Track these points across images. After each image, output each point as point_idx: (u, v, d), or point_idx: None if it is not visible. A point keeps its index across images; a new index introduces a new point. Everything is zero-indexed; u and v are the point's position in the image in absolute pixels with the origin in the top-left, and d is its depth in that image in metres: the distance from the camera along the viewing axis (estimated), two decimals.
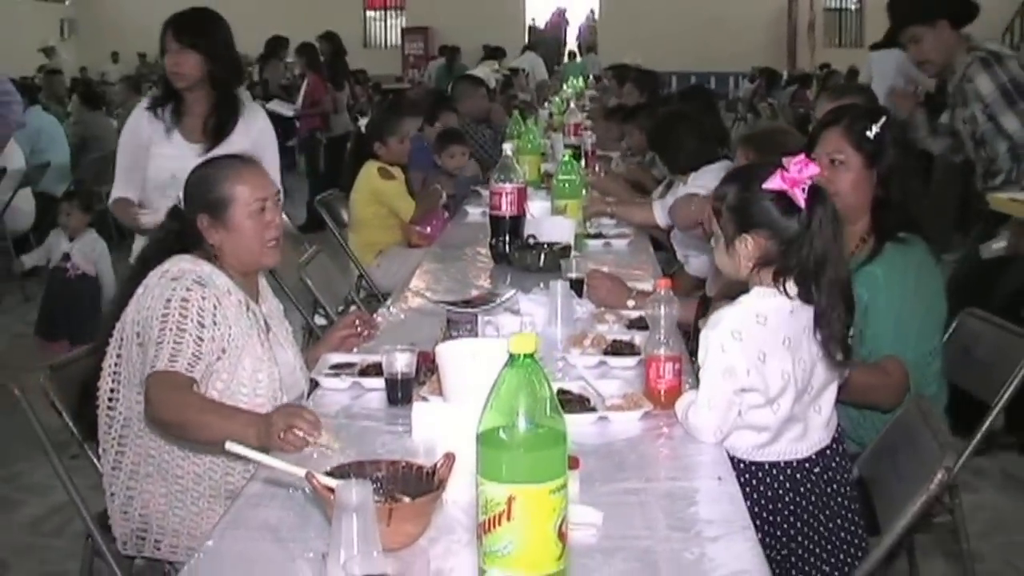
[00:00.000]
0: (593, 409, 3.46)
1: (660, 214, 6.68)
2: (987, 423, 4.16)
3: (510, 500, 2.16)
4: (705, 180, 6.12)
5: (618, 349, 4.05)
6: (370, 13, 38.13)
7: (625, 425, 3.40)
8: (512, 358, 2.20)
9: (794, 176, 3.19)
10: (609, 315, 4.55)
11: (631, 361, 3.92)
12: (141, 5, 34.62)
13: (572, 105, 11.76)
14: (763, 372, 3.21)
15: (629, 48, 26.37)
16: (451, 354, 3.32)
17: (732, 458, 3.30)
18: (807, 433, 3.39)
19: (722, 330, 3.22)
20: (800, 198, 3.19)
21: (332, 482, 2.51)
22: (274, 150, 5.59)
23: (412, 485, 2.69)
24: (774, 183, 3.21)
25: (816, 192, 3.22)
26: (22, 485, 6.30)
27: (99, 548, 3.73)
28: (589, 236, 6.35)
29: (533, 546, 2.19)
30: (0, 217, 11.27)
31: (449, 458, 2.65)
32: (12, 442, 3.88)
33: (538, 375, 2.20)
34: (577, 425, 3.34)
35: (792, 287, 3.25)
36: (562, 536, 2.23)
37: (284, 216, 6.86)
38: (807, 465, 3.39)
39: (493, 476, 2.18)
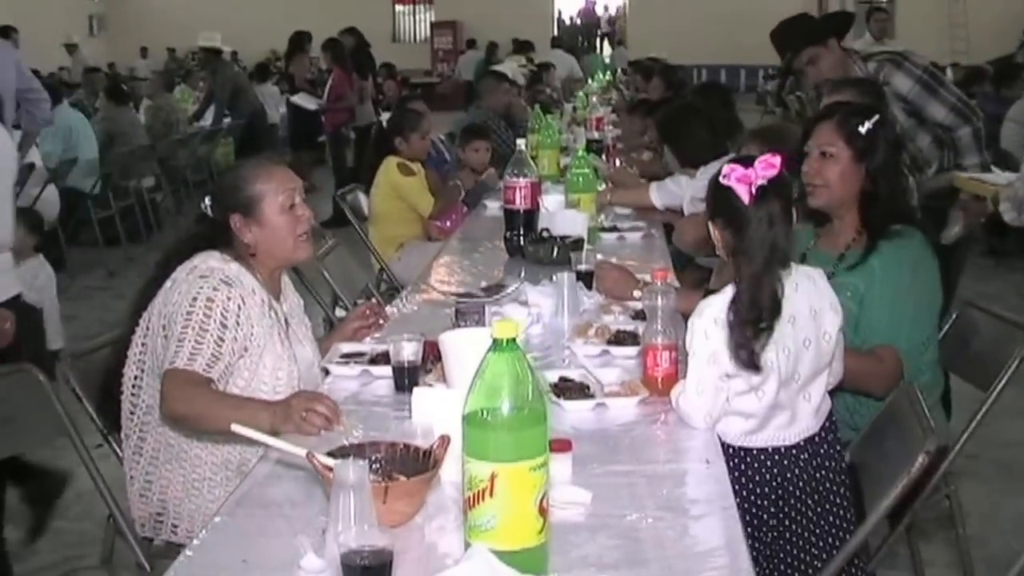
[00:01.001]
0: (592, 396, 3.61)
1: (656, 196, 6.88)
2: (982, 412, 4.26)
3: (493, 477, 2.31)
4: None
5: (621, 339, 4.18)
6: (399, 7, 38.16)
7: (622, 411, 3.55)
8: (496, 343, 2.35)
9: (748, 173, 3.34)
10: (616, 306, 4.68)
11: (632, 351, 4.04)
12: (169, 1, 34.96)
13: (594, 100, 11.84)
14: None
15: (657, 41, 26.40)
16: (454, 342, 3.47)
17: (723, 443, 3.42)
18: (795, 420, 3.52)
19: (706, 318, 3.37)
20: (744, 194, 3.33)
21: (331, 461, 2.65)
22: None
23: (409, 465, 2.83)
24: (725, 177, 3.39)
25: (767, 192, 3.34)
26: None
27: (120, 528, 3.88)
28: (603, 229, 6.45)
29: (514, 520, 2.35)
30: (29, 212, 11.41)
31: (444, 440, 2.78)
32: (39, 427, 4.01)
33: (520, 360, 2.35)
34: (576, 411, 3.53)
35: None
36: (542, 511, 2.37)
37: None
38: (795, 452, 3.52)
39: (477, 454, 2.33)
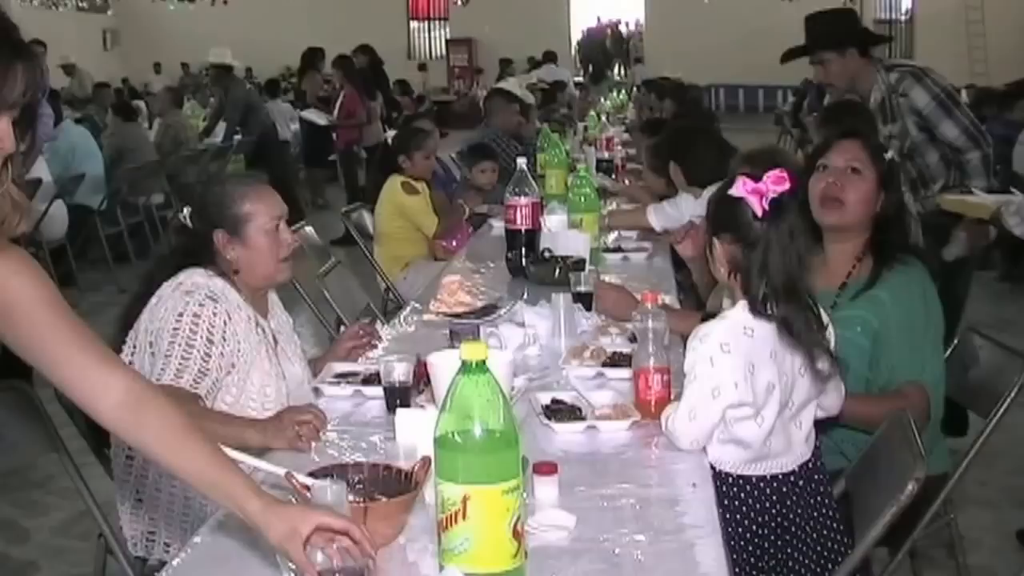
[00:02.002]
0: (583, 418, 3.63)
1: (654, 219, 6.90)
2: (982, 439, 4.26)
3: (465, 499, 2.33)
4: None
5: (616, 361, 4.18)
6: (414, 24, 38.27)
7: (613, 434, 3.56)
8: (465, 365, 2.37)
9: (760, 187, 3.33)
10: (613, 328, 4.67)
11: (627, 372, 4.02)
12: (183, 15, 35.07)
13: (604, 119, 11.86)
14: (752, 384, 3.33)
15: (674, 59, 26.42)
16: (442, 363, 3.46)
17: (720, 472, 3.44)
18: (790, 448, 3.51)
19: (711, 343, 3.34)
20: (758, 205, 3.32)
21: (309, 482, 2.67)
22: None
23: (391, 487, 2.85)
24: (737, 189, 3.36)
25: (781, 206, 3.34)
26: (52, 489, 6.55)
27: (111, 547, 3.90)
28: (608, 250, 6.47)
29: (488, 543, 2.36)
30: (36, 228, 11.45)
31: (426, 461, 2.79)
32: (31, 444, 4.04)
33: (490, 382, 2.37)
34: (566, 433, 3.54)
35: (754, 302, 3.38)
36: (517, 535, 2.38)
37: (310, 229, 7.06)
38: (792, 479, 3.51)
39: (449, 477, 2.35)
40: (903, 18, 35.34)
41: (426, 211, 8.27)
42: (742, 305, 3.40)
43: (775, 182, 3.32)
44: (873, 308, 4.08)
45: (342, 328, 5.72)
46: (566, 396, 3.79)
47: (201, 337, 3.78)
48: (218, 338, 3.80)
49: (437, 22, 38.27)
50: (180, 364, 3.73)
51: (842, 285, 4.22)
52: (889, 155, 4.18)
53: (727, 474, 3.47)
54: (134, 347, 3.92)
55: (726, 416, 3.36)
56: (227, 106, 15.93)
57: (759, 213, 3.32)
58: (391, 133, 8.82)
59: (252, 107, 15.95)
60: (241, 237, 4.00)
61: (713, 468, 3.42)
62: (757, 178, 3.35)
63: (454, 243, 8.12)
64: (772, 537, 3.50)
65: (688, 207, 6.53)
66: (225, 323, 3.84)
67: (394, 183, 8.27)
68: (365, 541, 2.45)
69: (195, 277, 3.92)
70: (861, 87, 6.68)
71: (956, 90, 7.10)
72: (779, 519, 3.50)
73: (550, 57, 26.08)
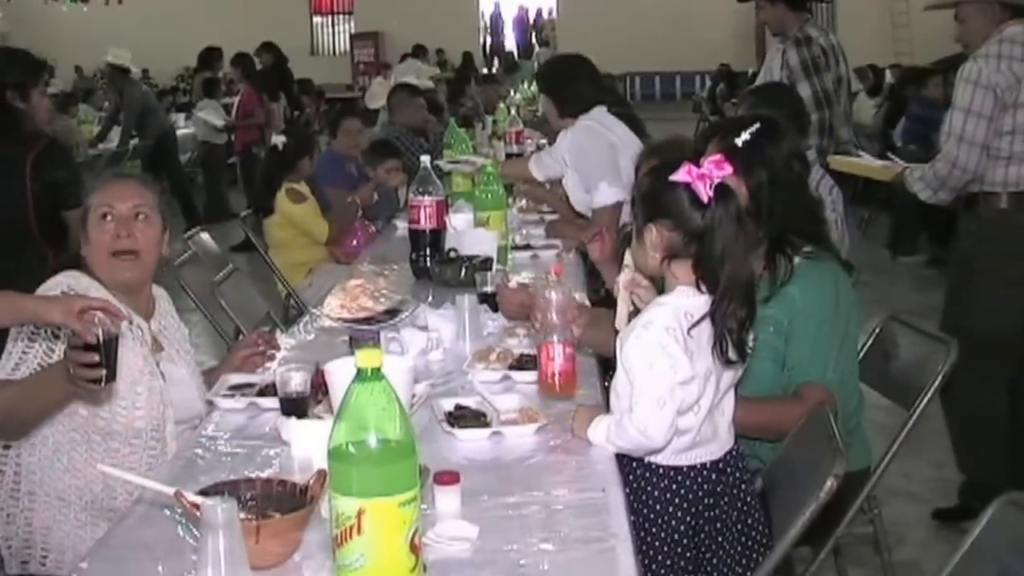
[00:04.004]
0: (488, 424, 3.62)
1: (536, 169, 7.09)
2: (904, 432, 4.29)
3: (360, 513, 2.31)
4: (580, 140, 6.73)
5: (523, 363, 4.19)
6: (317, 19, 38.07)
7: (519, 440, 3.55)
8: (360, 373, 2.35)
9: (702, 171, 3.33)
10: (521, 328, 4.66)
11: (535, 375, 4.05)
12: (77, 16, 34.68)
13: (515, 112, 11.79)
14: (695, 367, 3.34)
15: (588, 48, 26.42)
16: (340, 371, 3.42)
17: (651, 464, 3.45)
18: (716, 435, 3.52)
19: (657, 329, 3.33)
20: (704, 191, 3.32)
21: (199, 499, 2.64)
22: None
23: (285, 502, 2.82)
24: (680, 175, 3.35)
25: (723, 191, 3.35)
26: None
27: None
28: (516, 248, 6.48)
29: (384, 559, 2.34)
30: None
31: (322, 475, 2.77)
32: None
33: (386, 390, 2.35)
34: (470, 440, 3.53)
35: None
36: (415, 549, 2.37)
37: (206, 235, 7.01)
38: (720, 466, 3.52)
39: (343, 490, 2.34)
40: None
41: (314, 217, 8.24)
42: (681, 290, 3.41)
43: (718, 167, 3.34)
44: (784, 306, 4.04)
45: (241, 338, 5.69)
46: (470, 401, 3.79)
47: (46, 330, 3.80)
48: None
49: (341, 16, 38.05)
50: (19, 359, 3.80)
51: None
52: (742, 138, 4.04)
53: (657, 465, 3.47)
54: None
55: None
56: (123, 109, 15.80)
57: (704, 199, 3.33)
58: (277, 139, 8.66)
59: (149, 110, 15.83)
60: (85, 231, 4.07)
61: (640, 461, 3.45)
62: (698, 164, 3.36)
63: (355, 243, 8.08)
64: (705, 529, 3.50)
65: (562, 150, 6.82)
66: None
67: (280, 192, 8.24)
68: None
69: (58, 277, 3.95)
70: (789, 32, 7.60)
71: (880, 70, 7.61)
72: (709, 510, 3.50)
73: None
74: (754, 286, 3.46)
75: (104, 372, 3.29)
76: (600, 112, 6.90)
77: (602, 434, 3.47)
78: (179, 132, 17.53)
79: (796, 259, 4.09)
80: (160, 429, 3.96)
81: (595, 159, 6.68)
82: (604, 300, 5.45)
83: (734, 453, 3.58)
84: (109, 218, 4.02)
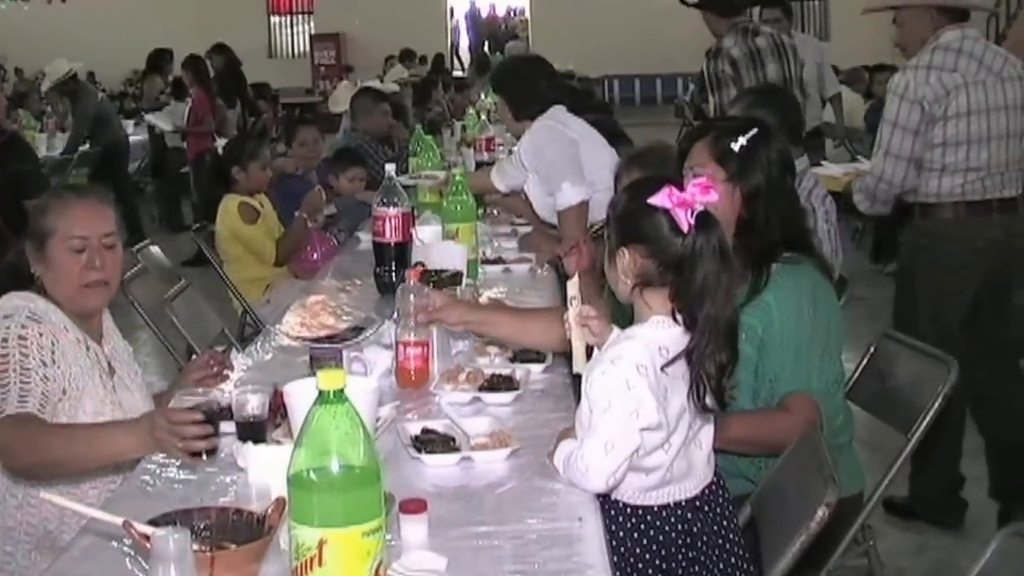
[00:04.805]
0: (457, 449, 3.61)
1: (497, 179, 7.16)
2: (902, 458, 4.29)
3: (321, 544, 2.30)
4: (539, 141, 6.76)
5: (495, 384, 4.19)
6: (274, 19, 37.91)
7: (490, 466, 3.54)
8: (321, 395, 2.34)
9: (684, 197, 3.26)
10: (492, 347, 4.65)
11: (507, 397, 4.07)
12: (16, 18, 34.56)
13: (485, 117, 11.75)
14: (666, 408, 3.28)
15: (563, 51, 26.44)
16: (300, 393, 3.40)
17: (617, 502, 3.41)
18: (692, 469, 3.45)
19: (626, 365, 3.25)
20: (684, 219, 3.26)
21: (149, 530, 2.63)
22: None
23: (241, 532, 2.81)
24: (659, 199, 3.29)
25: (706, 220, 3.29)
26: None
27: None
28: (487, 261, 6.46)
29: None
30: None
31: (280, 503, 2.76)
32: None
33: (350, 413, 2.34)
34: (438, 466, 3.52)
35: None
36: None
37: (156, 248, 7.00)
38: (697, 503, 3.46)
39: (304, 519, 2.33)
40: None
41: (265, 239, 8.13)
42: (656, 321, 3.36)
43: (703, 192, 3.28)
44: (759, 314, 4.03)
45: (193, 358, 5.67)
46: (438, 425, 3.78)
47: (34, 359, 3.77)
48: (49, 359, 3.80)
49: (301, 16, 37.94)
50: (22, 390, 3.72)
51: None
52: (739, 143, 4.08)
53: (624, 504, 3.43)
54: None
55: (641, 445, 3.28)
56: (74, 116, 15.75)
57: (685, 228, 3.27)
58: (221, 143, 8.58)
59: (102, 118, 15.77)
60: (43, 253, 4.03)
61: (607, 498, 3.40)
62: (682, 187, 3.29)
63: (315, 256, 8.04)
64: (680, 571, 3.44)
65: (521, 154, 6.88)
66: (53, 344, 3.83)
67: (230, 206, 8.12)
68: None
69: (13, 300, 3.93)
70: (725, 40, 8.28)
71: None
72: (684, 551, 3.44)
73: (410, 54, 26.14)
74: (736, 328, 3.39)
75: (217, 442, 3.43)
76: (557, 111, 6.95)
77: (559, 460, 3.44)
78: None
79: (773, 265, 4.09)
80: (121, 462, 3.95)
81: (556, 159, 6.72)
82: None
83: (713, 487, 3.53)
84: (83, 250, 4.03)
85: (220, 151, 8.44)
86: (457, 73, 28.90)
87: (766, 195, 4.09)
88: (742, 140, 4.08)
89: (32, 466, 3.65)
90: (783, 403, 4.02)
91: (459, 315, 4.31)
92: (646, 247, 3.34)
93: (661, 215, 3.30)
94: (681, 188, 3.29)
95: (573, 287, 3.57)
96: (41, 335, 3.81)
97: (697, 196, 3.26)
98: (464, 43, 38.18)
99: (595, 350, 3.45)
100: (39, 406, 3.71)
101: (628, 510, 3.43)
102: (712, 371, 3.30)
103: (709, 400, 3.33)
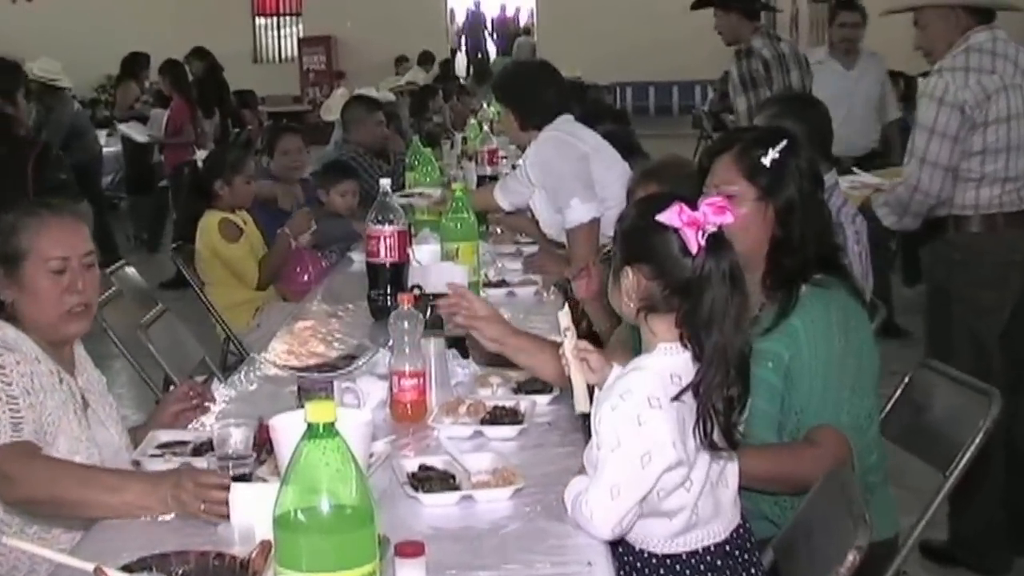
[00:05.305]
0: (457, 487, 3.62)
1: (501, 197, 7.17)
2: (939, 498, 4.27)
3: None
4: (546, 153, 6.79)
5: (497, 417, 4.20)
6: (260, 21, 37.73)
7: (492, 504, 3.55)
8: (310, 428, 2.34)
9: (695, 216, 3.24)
10: (494, 377, 4.67)
11: (511, 431, 4.08)
12: None
13: (487, 128, 11.70)
14: (686, 441, 3.26)
15: (571, 55, 26.42)
16: (288, 427, 3.38)
17: (642, 552, 3.39)
18: (719, 511, 3.44)
19: (636, 400, 3.23)
20: (693, 241, 3.23)
21: None
22: None
23: None
24: (668, 217, 3.26)
25: (717, 242, 3.27)
26: None
27: None
28: (489, 284, 6.46)
29: None
30: None
31: (265, 546, 2.77)
32: None
33: (341, 447, 2.34)
34: (437, 506, 3.53)
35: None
36: None
37: (131, 270, 6.99)
38: (727, 548, 3.45)
39: (291, 563, 2.33)
40: None
41: (246, 259, 8.08)
42: (663, 349, 3.35)
43: (716, 212, 3.26)
44: (785, 339, 4.00)
45: (172, 388, 5.66)
46: (436, 461, 3.79)
47: (17, 387, 3.76)
48: (30, 387, 3.79)
49: (288, 18, 37.79)
50: (12, 419, 3.71)
51: (753, 319, 4.09)
52: (770, 157, 4.04)
53: (650, 554, 3.40)
54: None
55: (657, 485, 3.25)
56: (47, 128, 15.74)
57: (694, 250, 3.25)
58: (201, 155, 8.50)
59: (77, 131, 15.77)
60: (16, 277, 3.99)
61: (630, 547, 3.39)
62: (694, 205, 3.27)
63: (306, 277, 8.02)
64: None
65: (527, 168, 6.88)
66: (32, 373, 3.82)
67: (210, 222, 8.05)
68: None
69: None
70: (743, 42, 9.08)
71: (911, 77, 8.31)
72: None
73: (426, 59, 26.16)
74: (747, 359, 3.38)
75: None
76: (565, 120, 6.95)
77: (569, 498, 3.41)
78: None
79: (803, 287, 4.05)
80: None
81: (564, 173, 6.72)
82: (591, 341, 5.45)
83: (740, 531, 3.52)
84: (63, 271, 4.01)
85: (200, 164, 8.35)
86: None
87: (800, 210, 4.06)
88: (773, 153, 4.04)
89: (35, 501, 3.65)
90: (809, 437, 3.98)
91: (498, 332, 4.28)
92: (652, 267, 3.34)
93: (671, 234, 3.28)
94: (693, 206, 3.27)
95: (565, 317, 3.58)
96: (19, 363, 3.80)
97: (709, 216, 3.25)
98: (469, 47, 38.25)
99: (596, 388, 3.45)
100: (34, 436, 3.72)
101: (655, 560, 3.40)
102: (720, 406, 3.29)
103: (717, 437, 3.30)
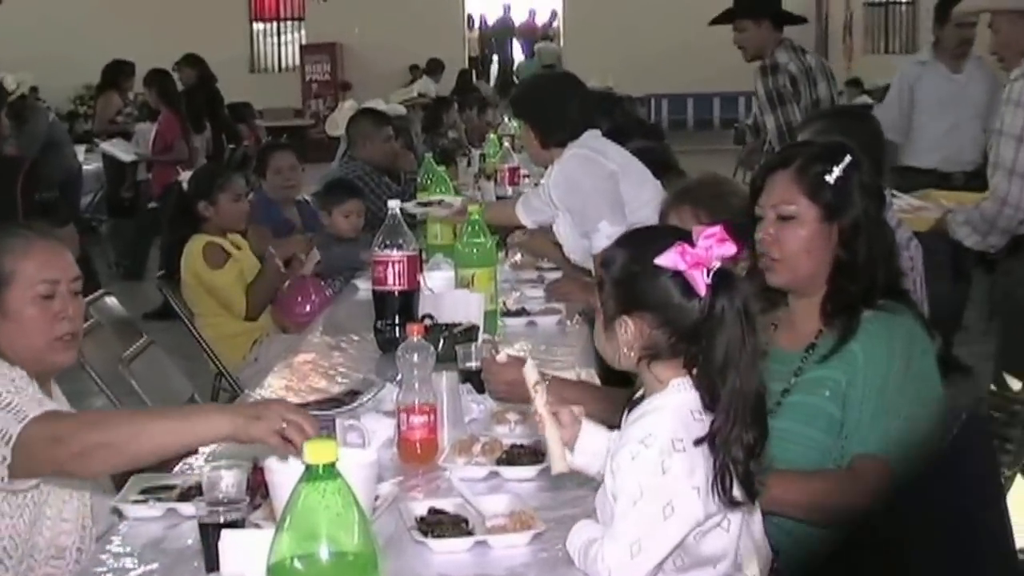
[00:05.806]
0: (471, 532, 3.63)
1: (523, 214, 7.20)
2: None
3: None
4: (571, 172, 6.78)
5: (515, 457, 4.21)
6: (258, 26, 37.82)
7: (508, 551, 3.55)
8: (309, 470, 2.36)
9: (699, 254, 3.22)
10: (511, 413, 4.67)
11: (530, 471, 4.09)
12: None
13: (508, 144, 11.65)
14: (713, 487, 3.24)
15: (601, 65, 26.42)
16: (284, 469, 3.44)
17: None
18: (756, 547, 3.45)
19: (660, 444, 3.22)
20: (700, 282, 3.22)
21: None
22: None
23: None
24: (669, 260, 3.23)
25: (724, 278, 3.25)
26: None
27: None
28: (508, 313, 6.48)
29: None
30: None
31: None
32: None
33: (342, 490, 2.36)
34: (448, 552, 3.54)
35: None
36: None
37: (112, 299, 7.01)
38: None
39: None
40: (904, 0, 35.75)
41: (232, 287, 8.04)
42: (676, 385, 3.33)
43: (718, 243, 3.23)
44: (843, 366, 4.02)
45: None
46: (448, 504, 3.80)
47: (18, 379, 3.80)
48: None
49: (289, 23, 37.76)
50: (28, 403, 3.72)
51: (810, 346, 4.13)
52: (834, 175, 4.07)
53: None
54: None
55: (687, 537, 3.25)
56: (19, 140, 15.79)
57: (702, 292, 3.24)
58: (186, 175, 8.44)
59: (54, 145, 15.82)
60: (4, 305, 4.00)
61: None
62: (688, 240, 3.25)
63: (308, 308, 8.03)
64: None
65: (550, 188, 6.89)
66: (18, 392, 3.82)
67: (194, 247, 8.03)
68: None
69: None
70: (766, 56, 9.35)
71: None
72: None
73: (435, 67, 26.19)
74: (764, 399, 3.36)
75: None
76: (591, 136, 6.95)
77: (575, 548, 3.39)
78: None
79: (865, 312, 4.08)
80: (85, 548, 3.96)
81: (590, 194, 6.73)
82: (617, 376, 5.47)
83: (775, 566, 3.55)
84: (52, 296, 4.04)
85: (185, 185, 8.32)
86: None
87: (866, 231, 4.09)
88: (838, 170, 4.07)
89: (89, 450, 3.59)
90: (850, 465, 4.00)
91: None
92: (655, 315, 3.32)
93: (670, 277, 3.27)
94: (691, 243, 3.24)
95: (533, 371, 3.59)
96: (14, 380, 3.82)
97: (713, 251, 3.22)
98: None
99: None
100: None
101: None
102: (740, 455, 3.26)
103: (737, 491, 3.27)
